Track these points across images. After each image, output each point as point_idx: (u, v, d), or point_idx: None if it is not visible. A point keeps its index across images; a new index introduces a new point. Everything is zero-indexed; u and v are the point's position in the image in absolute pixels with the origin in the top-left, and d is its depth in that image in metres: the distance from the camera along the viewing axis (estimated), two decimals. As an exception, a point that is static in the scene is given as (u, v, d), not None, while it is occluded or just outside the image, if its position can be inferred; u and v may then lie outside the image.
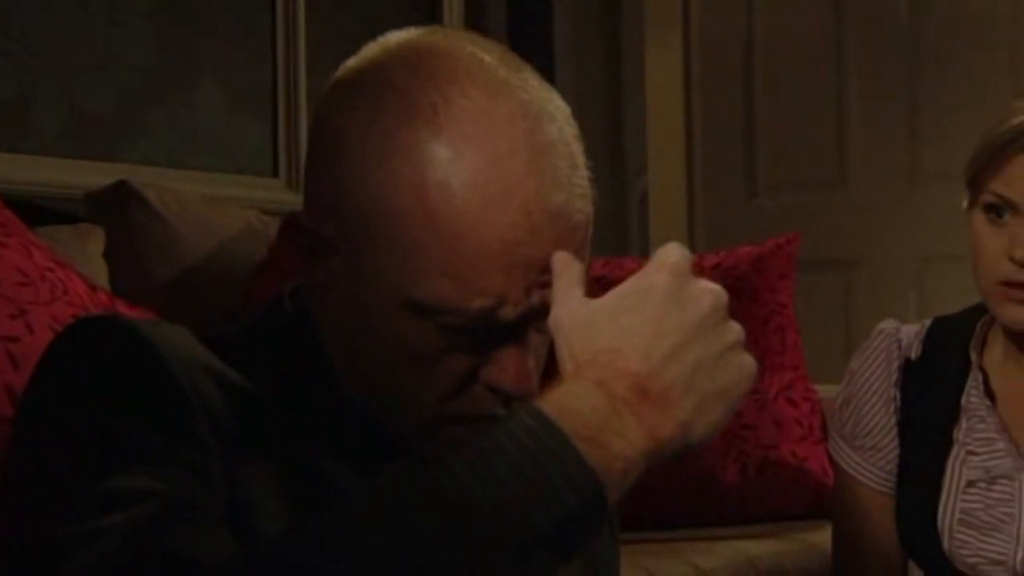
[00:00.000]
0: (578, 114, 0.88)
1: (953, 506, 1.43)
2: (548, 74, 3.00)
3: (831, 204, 3.18)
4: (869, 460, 1.53)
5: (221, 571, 0.70)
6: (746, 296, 2.12)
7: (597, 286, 0.81)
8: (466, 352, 0.83)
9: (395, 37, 0.87)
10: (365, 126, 0.82)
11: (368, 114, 0.83)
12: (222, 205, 2.18)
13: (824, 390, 2.19)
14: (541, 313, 0.82)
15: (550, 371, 0.80)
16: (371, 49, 0.87)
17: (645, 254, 3.53)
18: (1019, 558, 1.38)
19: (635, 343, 0.75)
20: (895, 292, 3.10)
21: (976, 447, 1.44)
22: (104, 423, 0.78)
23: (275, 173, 2.52)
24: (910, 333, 1.53)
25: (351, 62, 0.87)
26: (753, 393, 1.75)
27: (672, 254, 0.78)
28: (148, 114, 2.33)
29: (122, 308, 1.73)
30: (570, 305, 0.78)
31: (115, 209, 2.04)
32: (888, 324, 1.56)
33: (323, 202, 0.85)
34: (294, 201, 2.50)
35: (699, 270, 0.79)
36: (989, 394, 1.46)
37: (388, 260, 0.82)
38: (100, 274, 1.95)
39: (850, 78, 3.19)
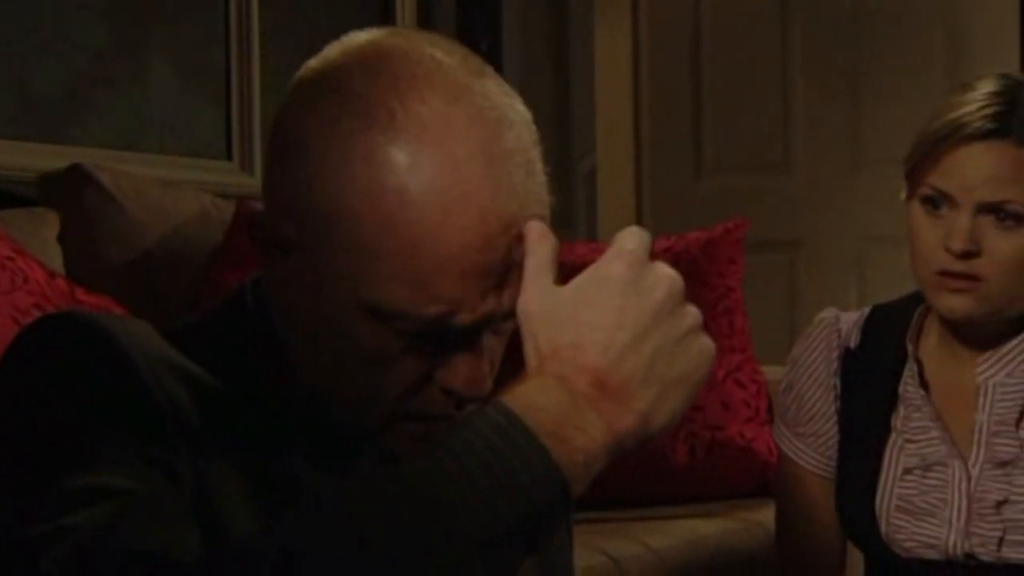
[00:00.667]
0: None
1: (891, 492, 1.46)
2: (496, 50, 2.95)
3: (776, 186, 3.23)
4: (810, 446, 1.55)
5: (193, 569, 0.71)
6: (696, 280, 2.15)
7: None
8: (422, 354, 0.84)
9: (357, 38, 0.87)
10: (325, 129, 0.82)
11: (328, 117, 0.83)
12: (177, 189, 2.17)
13: (769, 371, 2.23)
14: (495, 319, 0.83)
15: (515, 361, 0.81)
16: (333, 50, 0.86)
17: (592, 232, 3.58)
18: (951, 541, 1.42)
19: (594, 338, 0.76)
20: (837, 272, 3.16)
21: (912, 435, 1.47)
22: (71, 421, 0.78)
23: (228, 156, 2.50)
24: (849, 322, 1.55)
25: (313, 63, 0.87)
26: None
27: (630, 241, 0.78)
28: (100, 96, 2.30)
29: (81, 296, 1.74)
30: (538, 294, 0.79)
31: (69, 193, 2.03)
32: (828, 313, 1.58)
33: (283, 202, 0.85)
34: (248, 184, 2.48)
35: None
36: (924, 384, 1.48)
37: (346, 263, 0.82)
38: (55, 259, 1.95)
39: (795, 64, 3.24)
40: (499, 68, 3.40)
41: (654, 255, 0.80)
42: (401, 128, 0.80)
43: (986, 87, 1.40)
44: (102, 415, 0.78)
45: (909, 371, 1.48)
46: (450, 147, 0.80)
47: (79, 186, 2.03)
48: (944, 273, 1.39)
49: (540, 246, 0.80)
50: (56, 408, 0.78)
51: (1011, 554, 1.39)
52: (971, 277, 1.38)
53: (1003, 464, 1.42)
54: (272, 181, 0.87)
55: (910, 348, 1.48)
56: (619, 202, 3.38)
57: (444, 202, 0.80)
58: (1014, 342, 1.44)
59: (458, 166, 0.80)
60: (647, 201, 3.39)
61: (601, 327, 0.76)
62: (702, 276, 2.19)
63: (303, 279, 0.85)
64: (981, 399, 1.44)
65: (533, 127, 0.86)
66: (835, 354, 1.53)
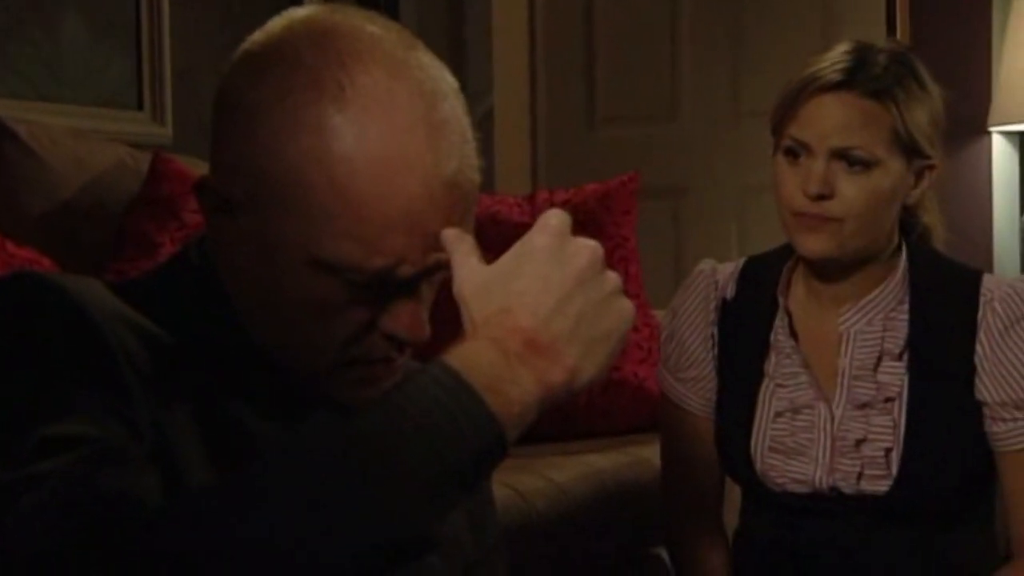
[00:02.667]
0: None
1: (764, 434, 1.56)
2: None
3: (662, 137, 3.33)
4: (691, 390, 1.64)
5: (160, 513, 0.74)
6: (593, 230, 2.19)
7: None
8: (366, 304, 0.89)
9: (298, 14, 0.92)
10: (275, 101, 0.87)
11: (277, 89, 0.87)
12: (93, 141, 2.16)
13: (658, 315, 2.36)
14: (434, 269, 0.89)
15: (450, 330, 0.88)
16: (277, 24, 0.91)
17: (489, 176, 3.64)
18: (817, 477, 1.53)
19: (523, 302, 0.82)
20: (719, 218, 3.27)
21: (783, 380, 1.56)
22: (37, 375, 0.80)
23: (140, 106, 2.48)
24: (725, 273, 1.63)
25: (258, 36, 0.91)
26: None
27: (552, 218, 0.84)
28: (11, 47, 2.26)
29: (12, 249, 1.77)
30: (469, 274, 0.85)
31: (-14, 145, 2.03)
32: (706, 265, 1.67)
33: (232, 166, 0.89)
34: (159, 134, 2.49)
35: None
36: (793, 333, 1.57)
37: (297, 223, 0.87)
38: (-26, 211, 1.96)
39: (682, 23, 3.33)
40: (396, 10, 3.44)
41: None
42: (350, 100, 0.86)
43: (840, 48, 1.51)
44: (66, 369, 0.81)
45: (780, 321, 1.58)
46: (394, 117, 0.86)
47: (-3, 138, 2.02)
48: (801, 214, 1.48)
49: (459, 243, 0.87)
50: (22, 363, 0.81)
51: (868, 487, 1.51)
52: (825, 218, 1.47)
53: (862, 406, 1.53)
54: (220, 146, 0.91)
55: (781, 300, 1.58)
56: (516, 151, 3.45)
57: (390, 168, 0.86)
58: (873, 294, 1.54)
59: (402, 135, 0.86)
60: (542, 149, 3.46)
61: (529, 293, 0.82)
62: (599, 226, 2.26)
63: (252, 237, 0.89)
64: (844, 346, 1.54)
65: (462, 96, 0.92)
66: (712, 305, 1.63)
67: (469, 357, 0.80)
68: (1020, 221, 2.94)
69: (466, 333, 0.83)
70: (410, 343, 0.92)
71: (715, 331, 1.63)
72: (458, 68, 3.58)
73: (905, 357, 1.53)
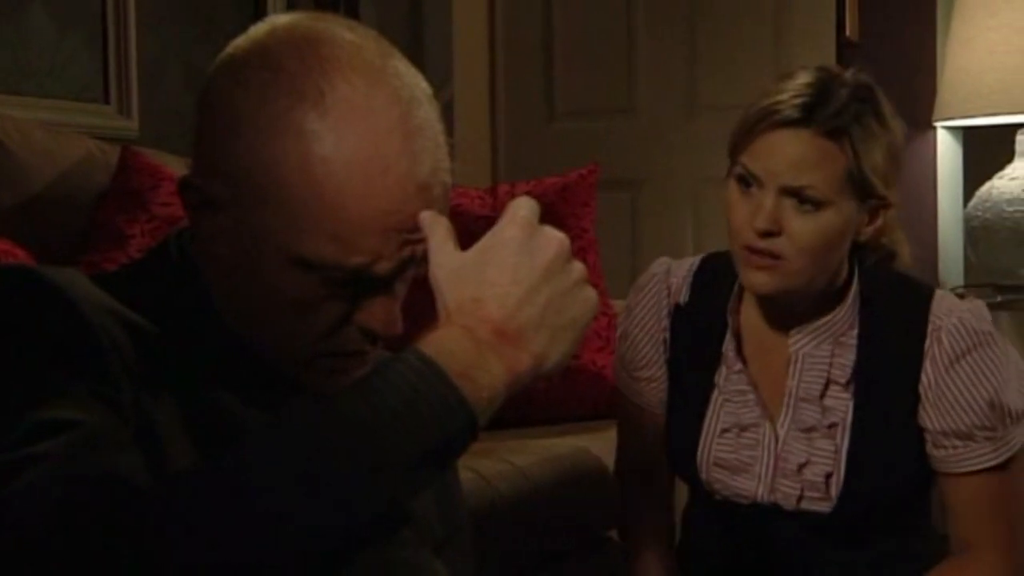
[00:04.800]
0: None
1: (710, 449, 1.57)
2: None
3: (620, 130, 3.38)
4: (645, 388, 1.65)
5: (150, 492, 0.76)
6: (553, 221, 2.19)
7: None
8: (342, 300, 0.93)
9: (280, 20, 0.96)
10: (258, 105, 0.90)
11: (260, 94, 0.90)
12: (62, 134, 2.17)
13: (615, 304, 2.42)
14: (409, 267, 0.93)
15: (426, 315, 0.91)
16: (260, 31, 0.95)
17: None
18: (759, 493, 1.54)
19: (494, 292, 0.85)
20: (675, 209, 3.32)
21: (731, 396, 1.56)
22: (29, 363, 0.83)
23: (106, 99, 2.48)
24: (679, 275, 1.62)
25: (241, 42, 0.95)
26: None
27: (521, 208, 0.88)
28: None
29: (-14, 241, 1.80)
30: (444, 259, 0.88)
31: (-44, 138, 2.03)
32: (659, 268, 1.64)
33: (215, 167, 0.92)
34: (126, 127, 2.48)
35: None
36: (742, 356, 1.56)
37: (277, 222, 0.90)
38: (-55, 203, 1.95)
39: (638, 17, 3.38)
40: (355, 3, 3.45)
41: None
42: (330, 107, 0.89)
43: (802, 78, 1.45)
44: (56, 357, 0.84)
45: (729, 339, 1.56)
46: (372, 123, 0.90)
47: (-34, 131, 2.01)
48: (750, 249, 1.45)
49: (436, 226, 0.90)
50: (14, 352, 0.83)
51: (808, 506, 1.53)
52: (772, 255, 1.44)
53: (807, 429, 1.53)
54: (204, 145, 0.94)
55: (730, 321, 1.56)
56: (476, 144, 3.47)
57: (367, 171, 0.89)
58: (824, 319, 1.52)
59: (379, 140, 0.90)
60: (502, 142, 3.50)
61: (498, 283, 0.86)
62: (559, 218, 2.31)
63: (233, 235, 0.93)
64: (792, 367, 1.53)
65: (435, 102, 0.96)
66: (665, 310, 1.62)
67: (443, 345, 0.84)
68: (963, 214, 3.02)
69: (439, 318, 0.87)
70: (383, 338, 0.95)
71: (667, 336, 1.63)
72: (417, 60, 3.60)
73: (851, 386, 1.52)
